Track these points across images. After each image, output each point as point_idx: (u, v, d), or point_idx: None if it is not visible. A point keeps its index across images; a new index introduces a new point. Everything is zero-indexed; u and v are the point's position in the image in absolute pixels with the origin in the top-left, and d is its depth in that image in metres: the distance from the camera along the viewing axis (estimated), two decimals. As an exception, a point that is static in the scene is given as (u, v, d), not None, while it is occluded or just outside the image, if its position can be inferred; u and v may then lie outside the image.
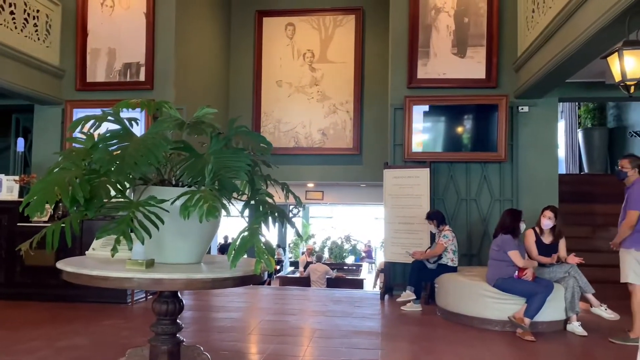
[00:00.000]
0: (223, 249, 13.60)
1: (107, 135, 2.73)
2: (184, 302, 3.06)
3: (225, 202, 2.83)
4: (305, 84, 8.31)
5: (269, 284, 11.21)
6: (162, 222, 2.59)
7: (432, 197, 6.39)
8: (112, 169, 2.54)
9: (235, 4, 8.67)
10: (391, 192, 6.52)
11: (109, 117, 2.88)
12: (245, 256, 3.02)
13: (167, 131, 3.21)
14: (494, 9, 6.56)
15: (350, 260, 18.41)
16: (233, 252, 2.59)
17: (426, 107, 6.61)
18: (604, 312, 4.66)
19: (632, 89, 3.28)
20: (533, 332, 4.42)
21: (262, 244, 2.62)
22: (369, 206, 17.32)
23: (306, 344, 4.21)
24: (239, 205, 2.96)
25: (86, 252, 3.45)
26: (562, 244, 4.94)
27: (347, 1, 8.32)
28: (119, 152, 2.64)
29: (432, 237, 6.02)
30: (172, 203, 2.70)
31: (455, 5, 6.68)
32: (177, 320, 3.03)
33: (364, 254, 20.11)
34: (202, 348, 3.22)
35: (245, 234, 2.67)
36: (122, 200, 2.69)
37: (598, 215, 7.55)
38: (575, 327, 4.61)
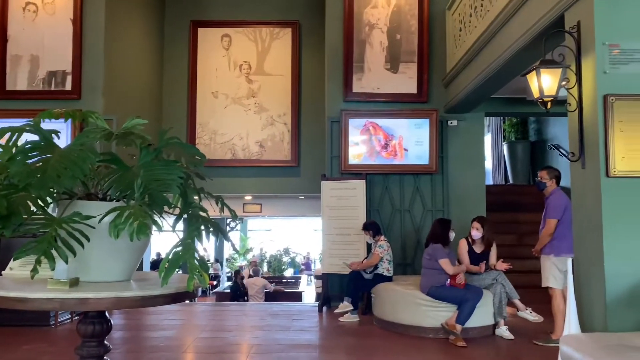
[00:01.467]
0: (156, 264, 13.11)
1: (27, 147, 2.56)
2: (112, 322, 2.90)
3: (156, 217, 2.73)
4: (242, 96, 8.24)
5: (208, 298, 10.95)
6: (88, 239, 2.46)
7: (368, 208, 6.51)
8: (32, 182, 2.38)
9: (169, 13, 8.49)
10: (328, 203, 6.58)
11: (28, 129, 2.71)
12: (180, 272, 2.93)
13: (94, 143, 3.07)
14: (424, 27, 6.84)
15: (289, 272, 18.32)
16: (165, 268, 2.50)
17: (361, 120, 6.75)
18: (529, 315, 4.91)
19: (549, 105, 3.51)
20: (464, 337, 4.58)
21: (195, 260, 2.55)
22: (307, 218, 17.36)
23: (243, 359, 4.13)
24: (172, 219, 2.87)
25: (2, 272, 3.21)
26: (493, 252, 5.17)
27: (283, 15, 8.37)
28: (39, 164, 2.48)
29: (369, 247, 6.12)
30: (100, 220, 2.57)
31: (388, 22, 6.90)
32: (105, 342, 2.86)
33: (302, 267, 20.10)
34: (131, 370, 3.08)
35: (178, 249, 2.59)
36: (44, 216, 2.53)
37: (523, 224, 7.99)
38: (503, 331, 4.83)
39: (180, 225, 2.85)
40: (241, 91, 8.24)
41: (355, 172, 6.66)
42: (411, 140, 6.74)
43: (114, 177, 2.74)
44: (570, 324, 3.15)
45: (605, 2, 3.27)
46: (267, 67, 8.28)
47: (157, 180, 2.71)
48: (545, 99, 3.46)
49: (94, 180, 2.91)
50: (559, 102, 3.66)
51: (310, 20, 8.32)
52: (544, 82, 3.42)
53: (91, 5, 6.41)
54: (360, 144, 6.76)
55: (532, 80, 3.48)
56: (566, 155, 3.59)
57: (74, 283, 2.57)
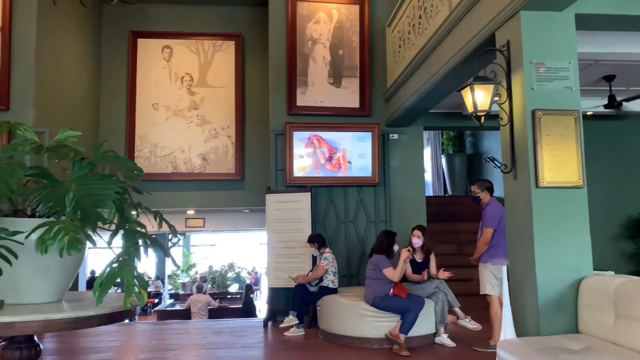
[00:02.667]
0: (92, 283, 12.50)
1: (-55, 160, 2.38)
2: (41, 347, 2.73)
3: (90, 232, 2.61)
4: (184, 108, 8.08)
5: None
6: (16, 257, 2.31)
7: (314, 220, 6.53)
8: (-49, 199, 2.22)
9: (107, 24, 8.22)
10: (274, 216, 6.54)
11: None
12: (119, 290, 2.80)
13: (22, 156, 2.91)
14: (365, 42, 7.01)
15: (234, 288, 17.97)
16: (99, 286, 2.39)
17: (306, 133, 6.79)
18: (469, 324, 5.07)
19: (482, 119, 3.68)
20: (408, 347, 4.66)
21: (132, 276, 2.45)
22: (253, 232, 17.14)
23: (185, 380, 3.99)
24: (105, 236, 2.74)
25: None
26: (432, 260, 5.31)
27: (226, 27, 8.32)
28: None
29: (314, 260, 6.12)
30: (27, 236, 2.43)
31: (330, 38, 7.02)
32: (33, 368, 2.69)
33: (249, 281, 19.77)
34: (63, 397, 2.90)
35: (114, 266, 2.48)
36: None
37: (462, 233, 8.27)
38: (444, 339, 4.95)
39: (119, 242, 2.74)
40: (183, 103, 8.08)
41: (301, 185, 6.67)
42: (354, 153, 6.84)
43: (44, 192, 2.60)
44: (506, 330, 3.28)
45: (532, 22, 3.49)
46: (209, 79, 8.17)
47: (90, 195, 2.60)
48: (479, 114, 3.63)
49: (22, 195, 2.75)
50: (492, 117, 3.85)
51: (253, 33, 8.31)
52: (478, 98, 3.58)
53: (21, 13, 6.09)
54: (305, 157, 6.79)
55: (467, 96, 3.64)
56: (499, 167, 3.76)
57: (-1, 306, 2.40)
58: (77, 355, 5.00)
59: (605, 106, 5.97)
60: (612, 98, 5.88)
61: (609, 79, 5.66)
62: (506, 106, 3.65)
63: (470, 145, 11.09)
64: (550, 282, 3.28)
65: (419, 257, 5.25)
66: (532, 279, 3.32)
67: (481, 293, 4.80)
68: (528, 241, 3.37)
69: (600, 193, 6.61)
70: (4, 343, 2.70)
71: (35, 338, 2.69)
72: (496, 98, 3.73)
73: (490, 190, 4.96)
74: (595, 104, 6.24)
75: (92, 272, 14.15)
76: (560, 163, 3.38)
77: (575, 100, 3.51)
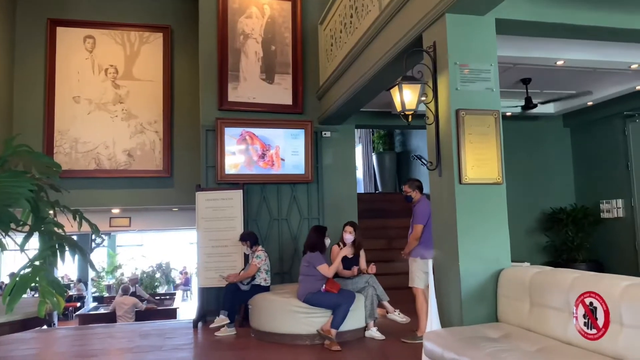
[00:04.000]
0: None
1: None
2: (-59, 360, 2.50)
3: (0, 236, 2.42)
4: (108, 101, 7.68)
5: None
6: None
7: (246, 218, 6.45)
8: None
9: (22, 10, 7.63)
10: (204, 215, 6.38)
11: None
12: (36, 295, 2.61)
13: None
14: (298, 39, 7.01)
15: (162, 289, 17.39)
16: (9, 294, 2.22)
17: (238, 129, 6.68)
18: (398, 317, 5.23)
19: (410, 118, 3.80)
20: (339, 341, 4.72)
21: (47, 283, 2.30)
22: (182, 231, 16.66)
23: (108, 387, 3.81)
24: (18, 238, 2.55)
25: None
26: (362, 256, 5.41)
27: (154, 19, 7.99)
28: None
29: (246, 258, 6.05)
30: None
31: (262, 33, 6.95)
32: None
33: (179, 281, 19.22)
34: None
35: (26, 272, 2.32)
36: None
37: (391, 229, 8.50)
38: (373, 332, 5.07)
39: (36, 244, 2.56)
40: (107, 96, 7.68)
41: (232, 182, 6.56)
42: (288, 150, 6.82)
43: (-55, 191, 2.37)
44: (431, 321, 3.41)
45: (456, 25, 3.64)
46: (136, 72, 7.83)
47: (2, 193, 2.41)
48: (406, 112, 3.74)
49: None
50: (420, 116, 3.98)
51: (183, 26, 8.05)
52: (405, 97, 3.68)
53: None
54: (237, 154, 6.68)
55: (395, 95, 3.73)
56: (426, 164, 3.89)
57: None
58: (-14, 367, 4.63)
59: (523, 107, 6.36)
60: (528, 100, 6.26)
61: (526, 81, 6.03)
62: (432, 105, 3.79)
63: (399, 144, 11.43)
64: (472, 274, 3.44)
65: (349, 253, 5.33)
66: (455, 271, 3.47)
67: (409, 285, 4.96)
68: (452, 235, 3.52)
69: (518, 189, 7.05)
70: None
71: None
72: (423, 98, 3.85)
73: (420, 188, 5.14)
74: (513, 105, 6.63)
75: (12, 274, 13.17)
76: (481, 160, 3.55)
77: (496, 101, 3.70)
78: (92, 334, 6.27)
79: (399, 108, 3.74)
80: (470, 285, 3.43)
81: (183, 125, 7.94)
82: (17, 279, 2.24)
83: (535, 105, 6.33)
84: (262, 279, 5.70)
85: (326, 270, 4.98)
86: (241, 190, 6.40)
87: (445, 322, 3.51)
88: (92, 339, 5.90)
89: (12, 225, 2.55)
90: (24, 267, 2.32)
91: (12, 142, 2.68)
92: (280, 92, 6.93)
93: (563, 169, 8.10)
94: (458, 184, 3.52)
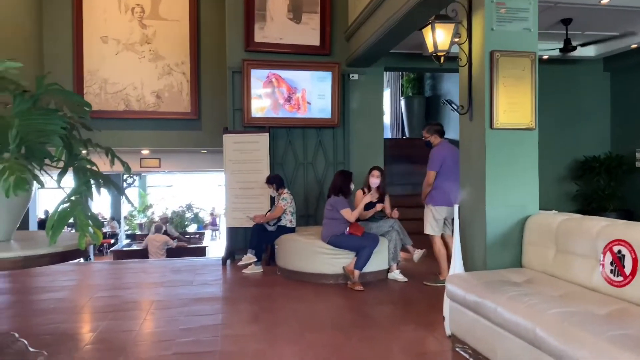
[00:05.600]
0: (44, 224, 12.17)
1: None
2: (-11, 286, 2.67)
3: (37, 171, 2.50)
4: (135, 42, 7.64)
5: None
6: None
7: (272, 161, 6.50)
8: None
9: (46, -55, 7.51)
10: (231, 157, 6.45)
11: None
12: (73, 230, 2.73)
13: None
14: (327, -24, 6.73)
15: (192, 228, 17.98)
16: (51, 227, 2.32)
17: (264, 72, 6.60)
18: (416, 254, 5.21)
19: (442, 60, 3.67)
20: (361, 282, 4.84)
21: (85, 216, 2.39)
22: (210, 173, 16.96)
23: (143, 316, 4.03)
24: (55, 174, 2.64)
25: None
26: (387, 200, 5.43)
27: (179, -46, 7.76)
28: None
29: (272, 200, 6.15)
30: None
31: (290, -31, 6.70)
32: (-18, 307, 2.64)
33: (207, 222, 19.81)
34: (17, 335, 2.87)
35: (65, 206, 2.41)
36: None
37: (418, 175, 8.42)
38: (396, 274, 5.17)
39: (70, 182, 2.64)
40: (134, 37, 7.63)
41: (259, 126, 6.56)
42: (314, 93, 6.74)
43: (-17, 127, 2.44)
44: (455, 265, 3.44)
45: (494, -39, 3.42)
46: (162, 11, 7.71)
47: (36, 130, 2.47)
48: (438, 54, 3.61)
49: (-42, 130, 2.58)
50: (452, 58, 3.84)
51: (209, -38, 7.81)
52: (438, 37, 3.55)
53: None
54: (264, 97, 6.64)
55: (427, 35, 3.60)
56: (456, 109, 3.80)
57: (-60, 245, 2.30)
58: (30, 295, 4.93)
59: (561, 50, 6.06)
60: (567, 42, 5.96)
61: (566, 22, 5.71)
62: (465, 47, 3.65)
63: (429, 88, 11.14)
64: (498, 219, 3.43)
65: (374, 199, 5.35)
66: (481, 216, 3.46)
67: (424, 232, 4.99)
68: (480, 180, 3.48)
69: (551, 136, 6.87)
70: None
71: (-17, 277, 2.63)
72: (456, 38, 3.70)
73: (440, 133, 5.05)
74: (551, 47, 6.32)
75: (46, 212, 13.78)
76: (514, 105, 3.44)
77: (533, 42, 3.54)
78: (126, 268, 6.57)
79: (430, 49, 3.62)
80: (495, 231, 3.43)
81: (210, 67, 7.88)
82: (57, 212, 2.33)
83: (574, 48, 6.03)
84: (288, 220, 5.81)
85: (349, 214, 5.03)
86: (267, 134, 6.42)
87: (468, 266, 3.54)
88: (126, 273, 6.19)
89: (47, 162, 2.63)
90: (62, 202, 2.41)
91: (44, 80, 2.71)
92: (308, 33, 6.76)
93: (599, 116, 7.81)
94: (489, 128, 3.44)
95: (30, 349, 2.86)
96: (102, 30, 7.55)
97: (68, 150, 2.63)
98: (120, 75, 7.60)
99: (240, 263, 5.79)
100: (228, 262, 6.26)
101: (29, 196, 2.69)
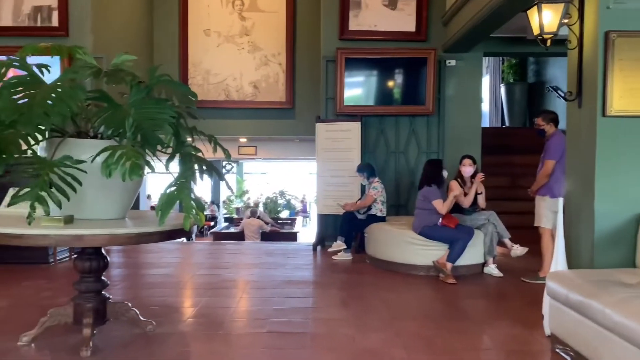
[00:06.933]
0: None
1: (12, 81, 2.49)
2: (108, 259, 2.96)
3: (148, 157, 2.71)
4: (235, 34, 7.98)
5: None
6: (80, 183, 2.46)
7: (363, 150, 6.50)
8: (19, 119, 2.34)
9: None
10: (323, 146, 6.55)
11: (15, 63, 2.64)
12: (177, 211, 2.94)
13: (82, 79, 3.00)
14: (424, -40, 6.54)
15: (284, 214, 18.57)
16: (160, 209, 2.51)
17: (357, 60, 6.59)
18: (517, 250, 4.96)
19: (548, 42, 3.43)
20: (454, 275, 4.71)
21: (190, 199, 2.56)
22: (302, 161, 17.36)
23: (239, 295, 4.25)
24: (163, 160, 2.84)
25: (-2, 210, 3.22)
26: (481, 190, 5.20)
27: (277, -53, 7.95)
28: (26, 100, 2.43)
29: (363, 189, 6.16)
30: (92, 160, 2.56)
31: (386, -45, 6.60)
32: (102, 277, 2.94)
33: (298, 209, 20.36)
34: (130, 304, 3.16)
35: (173, 189, 2.60)
36: (35, 158, 2.50)
37: (517, 166, 8.02)
38: (492, 269, 4.96)
39: (174, 167, 2.84)
40: (234, 29, 7.97)
41: (351, 114, 6.59)
42: (408, 80, 6.62)
43: (105, 116, 2.70)
44: (557, 261, 3.23)
45: None
46: (260, 3, 7.97)
47: (149, 119, 2.68)
48: (545, 36, 3.38)
49: (84, 118, 2.87)
50: (559, 42, 3.58)
51: (305, -47, 7.92)
52: (545, 18, 3.32)
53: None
54: (357, 85, 6.64)
55: (533, 16, 3.38)
56: (563, 96, 3.54)
57: (69, 220, 2.59)
58: (141, 269, 5.41)
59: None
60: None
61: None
62: (576, 28, 3.37)
63: (532, 74, 10.46)
64: (608, 215, 3.16)
65: (468, 189, 5.15)
66: (589, 211, 3.21)
67: (535, 224, 4.71)
68: (589, 172, 3.23)
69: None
70: (75, 256, 2.94)
71: (103, 251, 2.92)
72: (565, 19, 3.43)
73: (555, 121, 4.71)
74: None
75: (149, 196, 14.88)
76: (632, 90, 3.13)
77: (657, 21, 3.19)
78: (224, 249, 6.97)
79: (536, 31, 3.39)
80: (605, 227, 3.16)
81: (305, 57, 8.02)
82: (166, 195, 2.52)
83: None
84: (378, 209, 5.80)
85: (440, 206, 4.89)
86: (359, 122, 6.42)
87: (572, 264, 3.30)
88: (224, 253, 6.56)
89: (158, 148, 2.85)
90: (170, 185, 2.60)
91: (156, 71, 2.93)
92: (403, 19, 6.63)
93: None
94: (601, 116, 3.16)
95: (141, 318, 3.14)
96: (205, 24, 7.97)
97: (176, 138, 2.82)
98: (221, 66, 7.99)
99: (330, 249, 5.89)
100: (318, 248, 6.40)
101: (141, 179, 2.93)
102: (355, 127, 6.42)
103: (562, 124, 4.22)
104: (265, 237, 10.82)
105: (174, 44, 8.00)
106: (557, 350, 2.91)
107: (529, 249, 4.95)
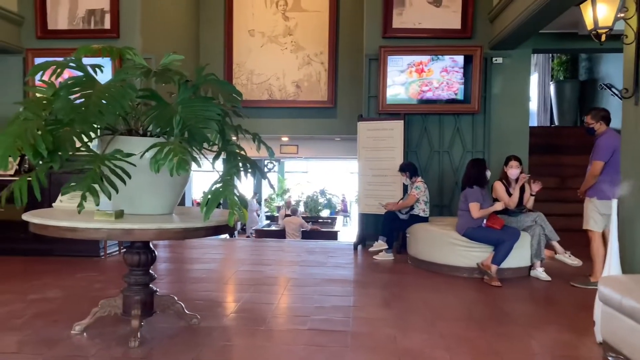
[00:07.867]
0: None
1: (69, 82, 2.61)
2: (156, 253, 3.06)
3: (195, 154, 2.78)
4: (279, 34, 8.07)
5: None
6: (129, 176, 2.54)
7: (406, 149, 6.43)
8: (75, 118, 2.45)
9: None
10: (365, 144, 6.53)
11: (71, 64, 2.76)
12: (220, 208, 3.00)
13: (133, 79, 3.11)
14: (470, -44, 6.40)
15: (325, 213, 18.62)
16: (205, 205, 2.57)
17: (401, 58, 6.53)
18: (568, 259, 4.82)
19: (603, 38, 3.29)
20: (499, 278, 4.59)
21: (234, 196, 2.61)
22: (343, 160, 17.36)
23: (281, 292, 4.29)
24: (210, 158, 2.91)
25: (53, 205, 3.39)
26: (527, 190, 5.04)
27: (320, -54, 7.97)
28: (82, 100, 2.54)
29: (405, 188, 6.10)
30: (142, 156, 2.65)
31: (431, -48, 6.50)
32: (150, 271, 3.03)
33: (339, 208, 20.36)
34: (175, 297, 3.25)
35: (218, 186, 2.65)
36: (88, 153, 2.61)
37: (566, 167, 7.75)
38: (539, 272, 4.80)
39: (219, 165, 2.90)
40: (277, 29, 8.06)
41: (394, 113, 6.52)
42: (454, 79, 6.49)
43: (154, 114, 2.79)
44: (610, 266, 3.10)
45: None
46: (304, 3, 8.02)
47: (195, 116, 2.74)
48: (599, 31, 3.25)
49: (134, 116, 2.97)
50: (614, 37, 3.42)
51: (349, -49, 7.91)
52: (599, 12, 3.18)
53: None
54: (400, 83, 6.57)
55: (587, 10, 3.25)
56: (618, 94, 3.38)
57: (119, 215, 2.69)
58: (186, 264, 5.55)
59: None
60: None
61: None
62: (633, 21, 3.21)
63: (584, 71, 10.05)
64: (668, 219, 3.00)
65: (513, 190, 5.00)
66: (646, 215, 3.06)
67: (584, 228, 4.53)
68: (646, 174, 3.07)
69: None
70: (124, 250, 3.05)
71: (151, 245, 3.02)
72: (621, 13, 3.28)
73: (606, 119, 4.49)
74: None
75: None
76: (695, 87, 2.96)
77: None
78: (266, 246, 7.06)
79: (590, 26, 3.26)
80: (663, 232, 3.01)
81: (347, 56, 8.02)
82: (212, 192, 2.58)
83: None
84: (421, 209, 5.72)
85: (475, 209, 4.75)
86: (402, 121, 6.36)
87: (626, 268, 3.16)
88: (266, 250, 6.65)
89: (205, 145, 2.91)
90: (215, 182, 2.66)
91: (202, 71, 3.00)
92: (448, 16, 6.51)
93: None
94: (659, 114, 3.01)
95: (187, 312, 3.23)
96: (249, 24, 8.10)
97: (222, 136, 2.88)
98: (264, 66, 8.09)
99: (371, 249, 5.86)
100: (359, 247, 6.38)
101: (188, 175, 3.01)
102: (398, 125, 6.35)
103: (616, 123, 4.02)
104: (306, 235, 10.88)
105: (220, 44, 8.17)
106: (610, 358, 2.79)
107: (579, 251, 4.77)
